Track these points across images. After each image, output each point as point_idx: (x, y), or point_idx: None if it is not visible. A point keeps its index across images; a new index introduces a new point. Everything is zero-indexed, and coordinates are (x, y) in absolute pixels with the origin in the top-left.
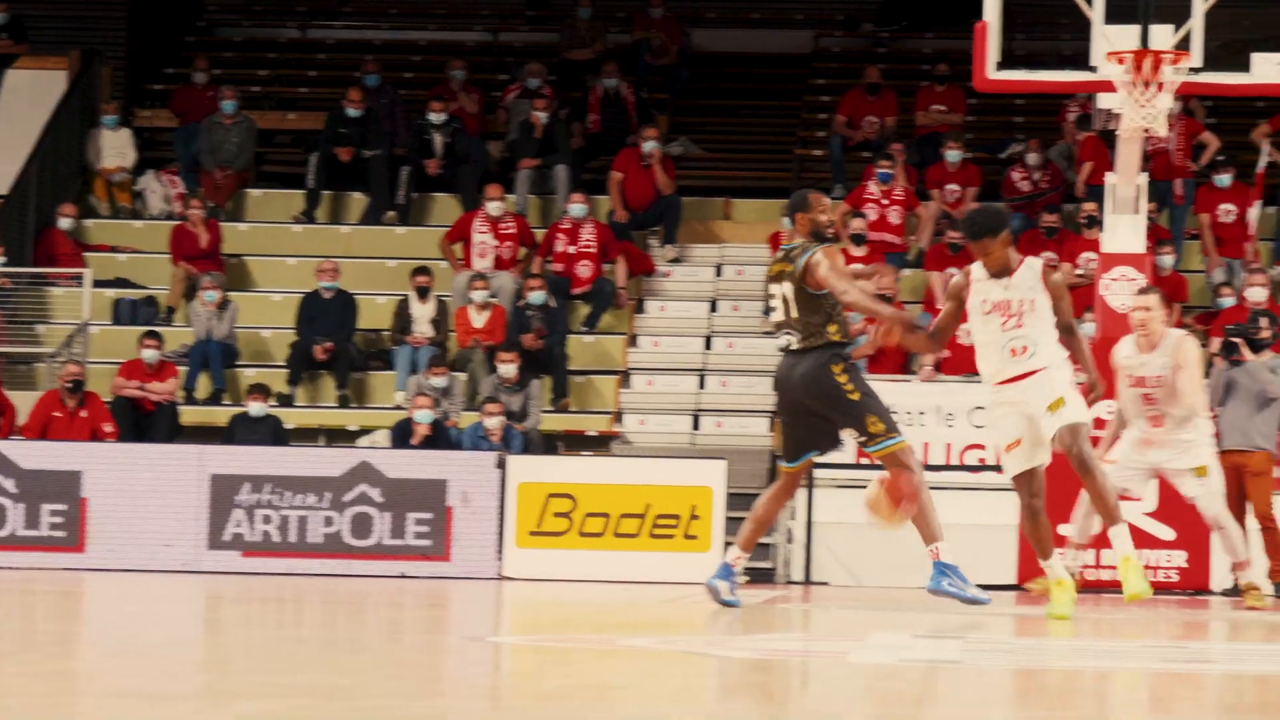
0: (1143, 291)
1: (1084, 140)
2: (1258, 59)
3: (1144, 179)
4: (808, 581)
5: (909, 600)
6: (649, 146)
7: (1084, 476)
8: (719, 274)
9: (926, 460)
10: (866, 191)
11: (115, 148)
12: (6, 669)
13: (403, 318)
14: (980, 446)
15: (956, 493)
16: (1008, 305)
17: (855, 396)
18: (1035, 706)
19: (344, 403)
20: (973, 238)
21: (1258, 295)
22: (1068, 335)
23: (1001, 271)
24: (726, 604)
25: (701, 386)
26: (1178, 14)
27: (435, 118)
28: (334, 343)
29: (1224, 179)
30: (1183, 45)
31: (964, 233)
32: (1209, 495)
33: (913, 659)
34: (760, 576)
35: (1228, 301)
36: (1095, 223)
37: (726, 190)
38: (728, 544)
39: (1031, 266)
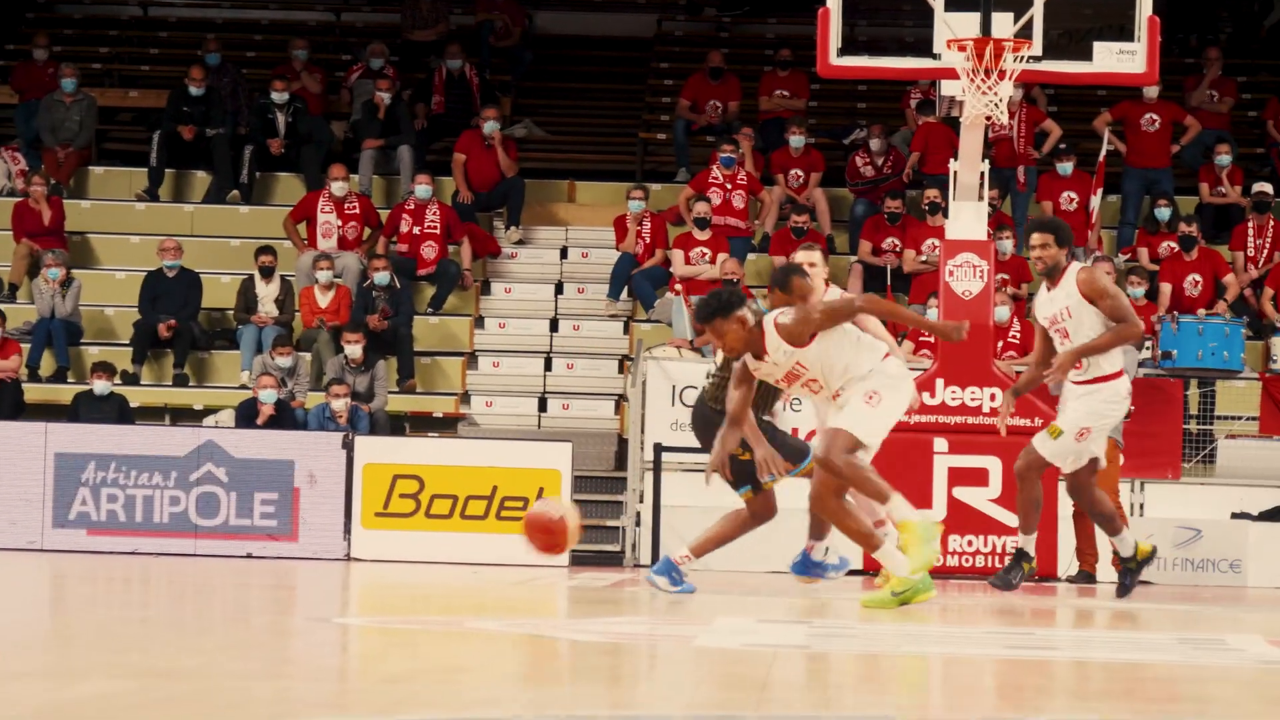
0: (807, 248)
1: (919, 127)
2: (1099, 48)
3: (986, 166)
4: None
5: (755, 585)
6: (489, 128)
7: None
8: (564, 257)
9: None
10: (710, 176)
11: None
12: None
13: (247, 297)
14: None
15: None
16: (789, 377)
17: (744, 457)
18: (880, 692)
19: (181, 381)
20: (702, 322)
21: None
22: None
23: (751, 352)
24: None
25: (548, 369)
26: (1019, 2)
27: (278, 97)
28: (177, 321)
29: (1066, 167)
30: (1024, 33)
31: (696, 320)
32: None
33: (758, 643)
34: (607, 559)
35: None
36: (938, 209)
37: (570, 173)
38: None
39: (771, 324)
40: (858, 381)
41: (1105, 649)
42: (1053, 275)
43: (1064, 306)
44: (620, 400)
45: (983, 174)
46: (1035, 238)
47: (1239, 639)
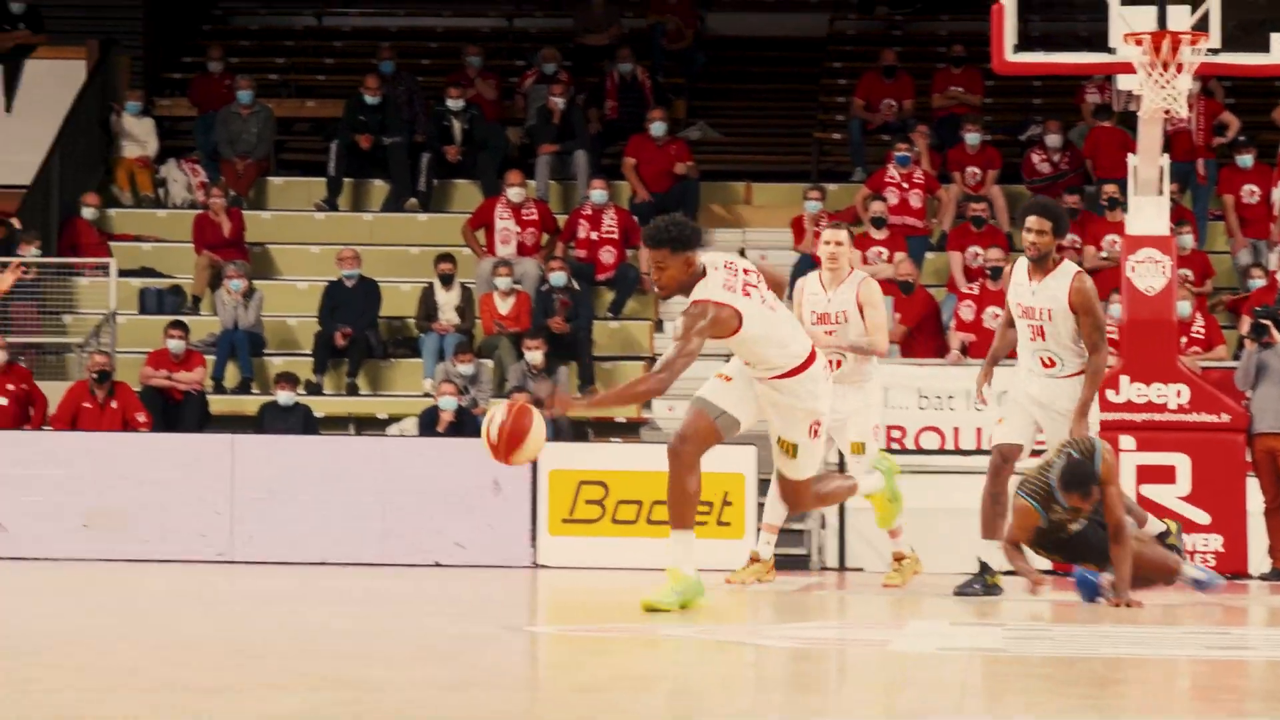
0: (834, 226)
1: (1091, 131)
2: (1276, 39)
3: (1166, 160)
4: (842, 568)
5: (944, 586)
6: (657, 129)
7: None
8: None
9: (956, 445)
10: (887, 175)
11: (137, 137)
12: (52, 662)
13: (428, 305)
14: None
15: (982, 477)
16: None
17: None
18: (1079, 695)
19: (353, 390)
20: (652, 245)
21: None
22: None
23: (682, 293)
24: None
25: None
26: None
27: (453, 104)
28: (354, 330)
29: (1246, 160)
30: (1200, 25)
31: (644, 239)
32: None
33: (954, 647)
34: (794, 564)
35: (1257, 283)
36: (1117, 204)
37: (746, 174)
38: None
39: (707, 285)
40: (797, 390)
41: None
42: (1041, 264)
43: (1048, 307)
44: None
45: (1162, 168)
46: (1033, 221)
47: None
